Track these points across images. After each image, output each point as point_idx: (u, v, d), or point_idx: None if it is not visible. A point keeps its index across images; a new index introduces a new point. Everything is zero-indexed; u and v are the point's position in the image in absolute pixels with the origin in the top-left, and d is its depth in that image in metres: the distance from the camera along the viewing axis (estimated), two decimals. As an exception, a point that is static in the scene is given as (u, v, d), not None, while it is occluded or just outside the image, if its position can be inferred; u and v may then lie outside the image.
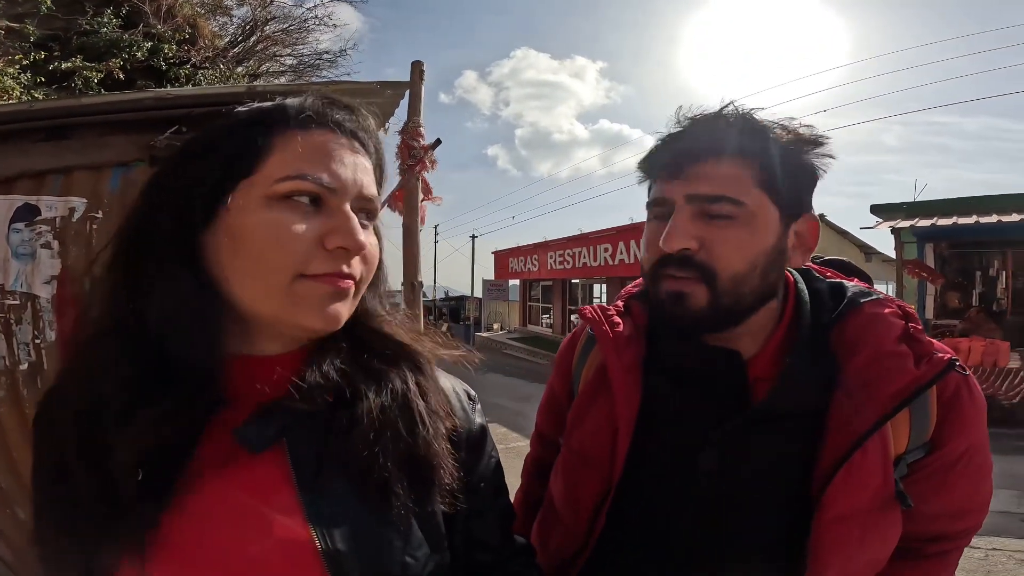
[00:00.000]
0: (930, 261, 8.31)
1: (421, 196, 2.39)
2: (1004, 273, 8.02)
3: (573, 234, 15.98)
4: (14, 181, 2.04)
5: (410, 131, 2.41)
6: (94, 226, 2.05)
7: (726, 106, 0.73)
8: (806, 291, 0.79)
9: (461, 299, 24.39)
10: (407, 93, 2.58)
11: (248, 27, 11.52)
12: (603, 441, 0.77)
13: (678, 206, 0.71)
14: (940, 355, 0.70)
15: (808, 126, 0.74)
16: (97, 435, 0.50)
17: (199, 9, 10.36)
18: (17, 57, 6.08)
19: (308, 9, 11.97)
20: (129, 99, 2.17)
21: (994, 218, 7.09)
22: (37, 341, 2.03)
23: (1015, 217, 6.95)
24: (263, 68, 12.12)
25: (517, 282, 19.72)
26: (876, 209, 8.76)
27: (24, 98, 5.39)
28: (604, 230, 14.33)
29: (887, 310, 0.75)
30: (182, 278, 0.51)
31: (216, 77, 9.02)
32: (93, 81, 7.08)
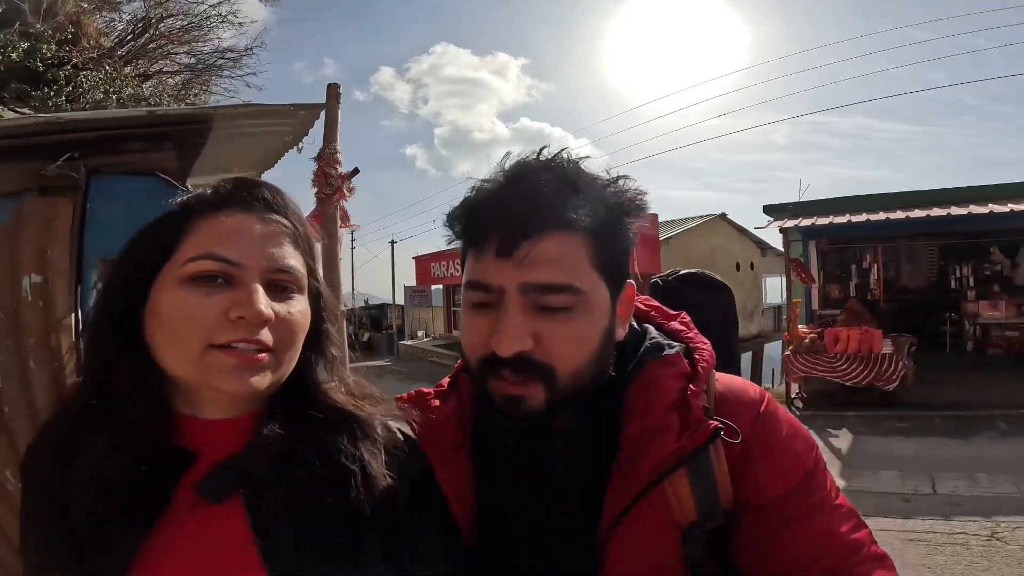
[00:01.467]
0: (813, 255, 9.22)
1: (339, 223, 2.40)
2: (876, 266, 9.05)
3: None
4: None
5: (327, 158, 2.40)
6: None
7: (555, 158, 0.66)
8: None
9: (383, 307, 23.86)
10: (322, 115, 2.59)
11: (140, 24, 10.69)
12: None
13: (509, 298, 0.63)
14: (705, 425, 0.65)
15: (625, 177, 0.69)
16: (64, 477, 0.58)
17: (83, 4, 9.51)
18: None
19: (211, 6, 11.28)
20: (17, 124, 2.04)
21: (864, 217, 8.01)
22: None
23: (882, 216, 7.89)
24: (155, 68, 11.27)
25: (440, 287, 19.64)
26: (768, 209, 9.59)
27: None
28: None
29: (668, 371, 0.70)
30: (125, 348, 0.61)
31: (100, 79, 8.32)
32: None
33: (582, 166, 0.66)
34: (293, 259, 0.63)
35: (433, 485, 0.71)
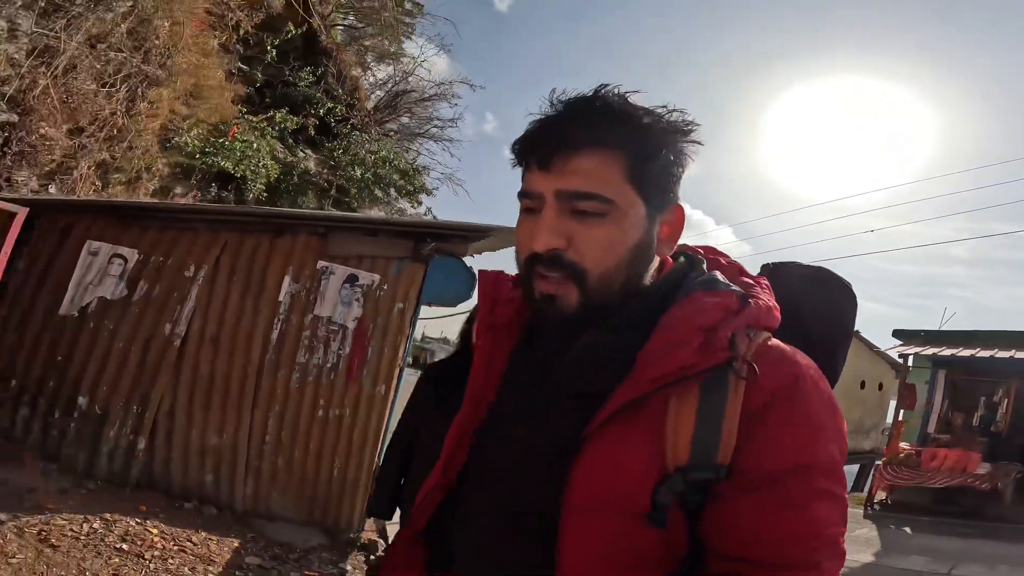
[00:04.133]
0: (940, 383, 9.51)
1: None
2: (1006, 401, 9.13)
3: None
4: (348, 258, 4.15)
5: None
6: (380, 293, 4.11)
7: (601, 89, 0.71)
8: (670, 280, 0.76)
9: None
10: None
11: (393, 97, 14.13)
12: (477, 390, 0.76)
13: (547, 202, 0.70)
14: (724, 351, 0.64)
15: (679, 111, 0.72)
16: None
17: (360, 73, 12.65)
18: (250, 115, 7.57)
19: (437, 85, 14.58)
20: (411, 221, 4.26)
21: (989, 353, 8.37)
22: (340, 352, 4.09)
23: (1011, 354, 8.20)
24: (386, 127, 14.51)
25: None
26: (897, 333, 10.12)
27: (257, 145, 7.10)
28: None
29: (713, 300, 0.69)
30: None
31: (365, 139, 10.67)
32: (288, 129, 8.42)
33: (628, 97, 0.71)
34: None
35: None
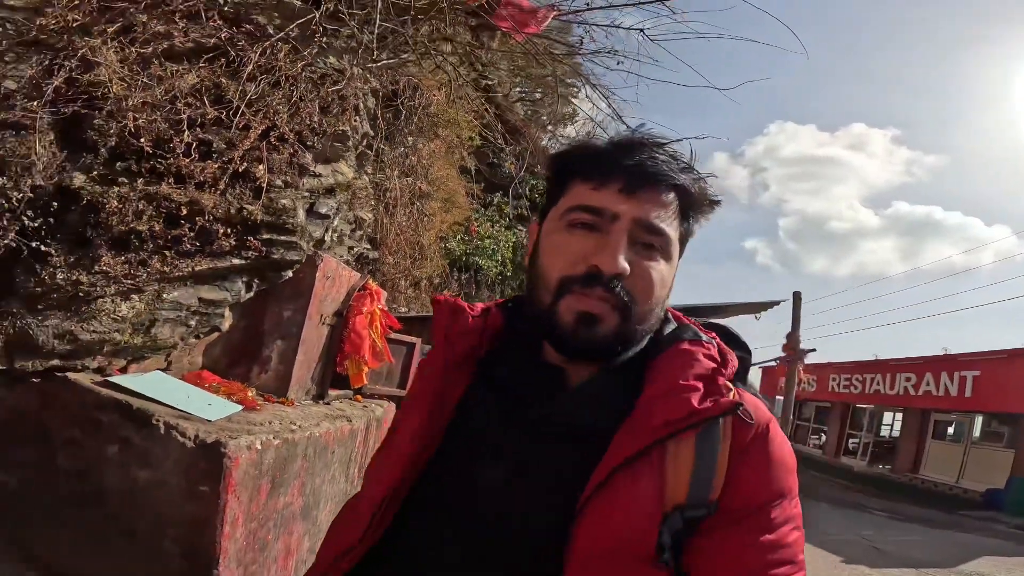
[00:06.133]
0: None
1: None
2: None
3: (865, 359, 15.86)
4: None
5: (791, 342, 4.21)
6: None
7: (663, 139, 0.75)
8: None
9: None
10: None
11: None
12: (407, 438, 0.74)
13: (622, 225, 0.70)
14: (728, 398, 0.68)
15: (711, 176, 0.77)
16: None
17: (545, 142, 12.59)
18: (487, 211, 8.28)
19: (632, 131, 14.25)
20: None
21: None
22: None
23: None
24: None
25: (780, 398, 19.55)
26: None
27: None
28: (908, 359, 14.21)
29: (701, 351, 0.74)
30: None
31: None
32: (509, 214, 8.81)
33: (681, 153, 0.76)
34: None
35: None
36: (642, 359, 0.75)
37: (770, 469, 0.70)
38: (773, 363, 14.72)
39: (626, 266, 0.69)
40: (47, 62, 2.29)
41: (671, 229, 0.73)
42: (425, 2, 3.52)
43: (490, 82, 7.27)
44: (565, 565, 0.64)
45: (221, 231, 2.42)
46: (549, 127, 13.40)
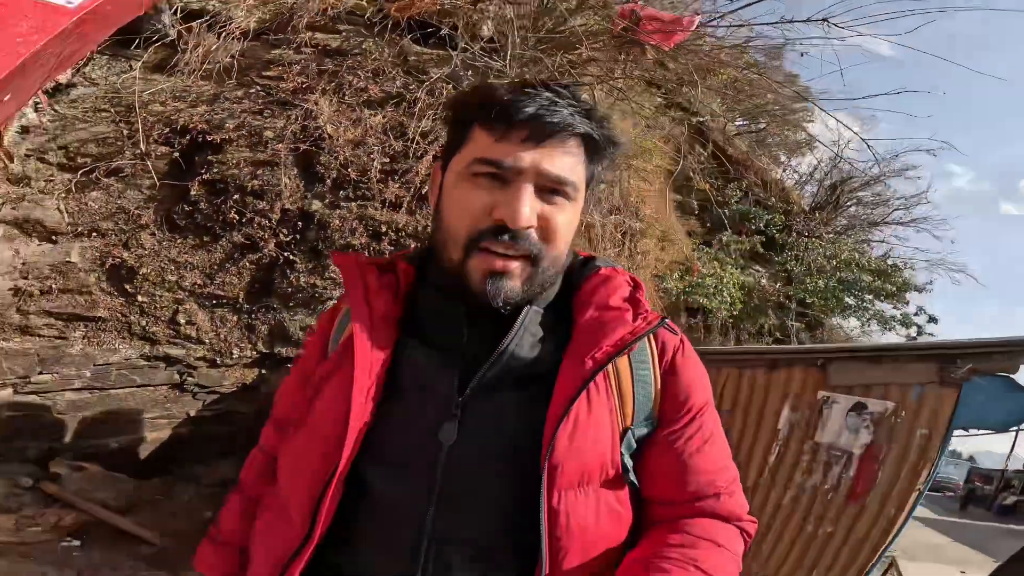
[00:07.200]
0: None
1: None
2: None
3: None
4: (852, 387, 3.90)
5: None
6: (896, 420, 3.67)
7: (569, 85, 0.75)
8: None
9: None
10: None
11: (829, 191, 12.74)
12: (339, 416, 0.69)
13: (527, 178, 0.69)
14: (654, 314, 0.74)
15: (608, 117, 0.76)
16: None
17: (776, 173, 11.83)
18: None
19: (885, 163, 12.25)
20: (924, 344, 3.79)
21: None
22: (843, 475, 3.75)
23: None
24: (836, 224, 12.64)
25: None
26: None
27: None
28: None
29: (619, 276, 0.79)
30: None
31: (820, 244, 9.66)
32: (743, 248, 8.53)
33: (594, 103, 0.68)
34: None
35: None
36: (564, 292, 0.79)
37: (696, 379, 0.77)
38: None
39: (532, 219, 0.70)
40: (289, 113, 3.29)
41: (576, 176, 0.73)
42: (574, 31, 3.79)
43: (701, 118, 7.17)
44: (547, 501, 0.65)
45: (412, 245, 3.09)
46: (783, 158, 12.45)
